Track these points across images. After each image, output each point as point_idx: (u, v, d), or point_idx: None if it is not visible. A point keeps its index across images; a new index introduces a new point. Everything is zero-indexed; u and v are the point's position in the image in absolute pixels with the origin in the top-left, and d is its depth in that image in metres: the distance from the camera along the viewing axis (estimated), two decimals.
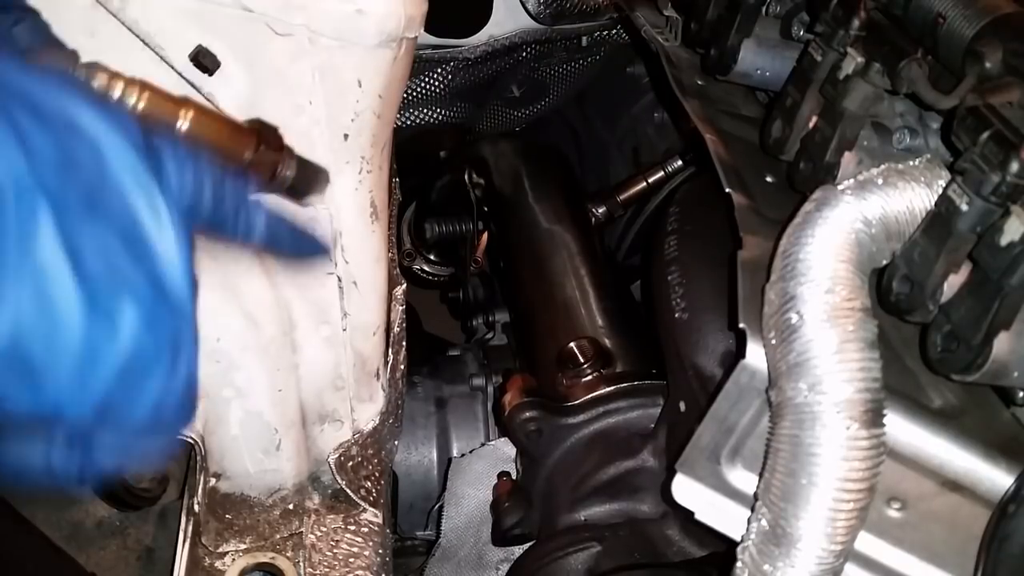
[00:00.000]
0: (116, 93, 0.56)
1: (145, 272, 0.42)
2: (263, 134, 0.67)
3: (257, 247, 0.56)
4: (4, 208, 0.38)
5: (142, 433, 0.46)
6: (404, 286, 1.13)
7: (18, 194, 0.38)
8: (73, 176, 0.41)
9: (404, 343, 1.16)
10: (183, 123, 0.60)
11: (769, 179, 0.93)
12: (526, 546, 1.14)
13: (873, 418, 0.65)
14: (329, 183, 0.76)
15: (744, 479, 0.76)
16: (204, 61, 0.80)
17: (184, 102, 0.60)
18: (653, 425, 1.09)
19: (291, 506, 1.07)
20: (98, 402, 0.41)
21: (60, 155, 0.41)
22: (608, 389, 1.11)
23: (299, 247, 0.60)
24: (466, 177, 1.63)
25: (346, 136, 0.87)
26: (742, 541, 0.72)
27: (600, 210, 1.58)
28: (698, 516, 0.79)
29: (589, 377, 1.13)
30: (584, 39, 1.63)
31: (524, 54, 1.60)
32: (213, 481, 1.04)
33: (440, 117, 1.59)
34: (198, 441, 1.00)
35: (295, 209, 0.71)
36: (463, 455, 1.31)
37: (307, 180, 0.71)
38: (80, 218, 0.40)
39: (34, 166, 0.39)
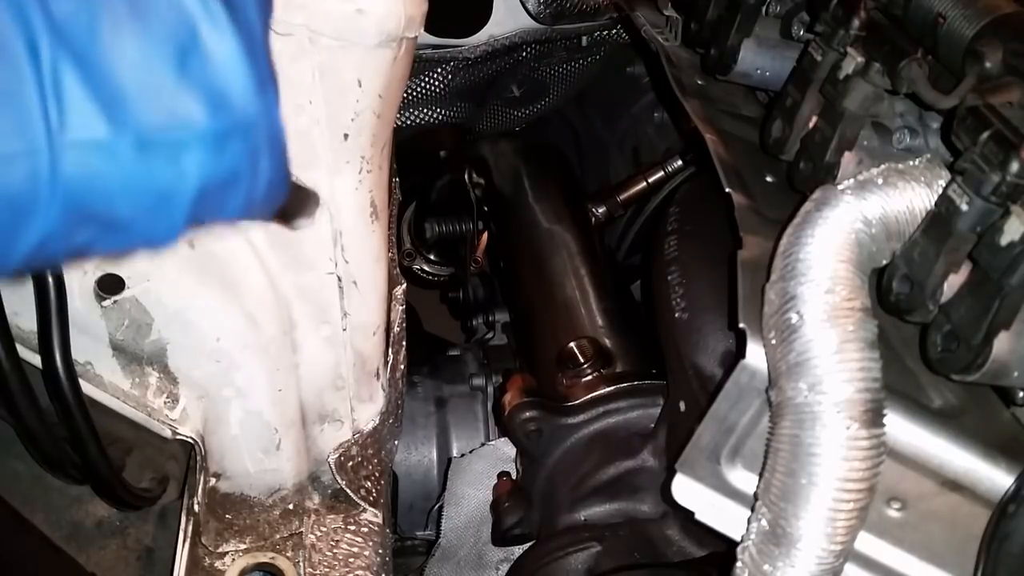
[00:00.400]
0: None
1: (203, 91, 0.38)
2: None
3: None
4: (20, 70, 0.35)
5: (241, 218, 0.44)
6: (404, 286, 1.13)
7: (34, 58, 0.35)
8: None
9: (404, 343, 1.16)
10: None
11: (769, 179, 0.93)
12: (526, 546, 1.14)
13: (873, 418, 0.65)
14: (319, 206, 0.76)
15: (744, 479, 0.76)
16: None
17: None
18: (653, 425, 1.09)
19: (291, 506, 1.07)
20: (182, 228, 0.40)
21: None
22: (608, 389, 1.11)
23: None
24: (466, 177, 1.63)
25: (346, 136, 0.87)
26: (742, 541, 0.72)
27: (600, 210, 1.58)
28: (698, 516, 0.79)
29: (589, 377, 1.13)
30: (584, 39, 1.63)
31: (524, 54, 1.60)
32: (213, 481, 1.04)
33: (440, 117, 1.59)
34: (198, 441, 1.00)
35: None
36: (463, 455, 1.31)
37: (297, 203, 0.72)
38: (119, 43, 0.36)
39: (49, 8, 0.36)
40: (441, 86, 1.55)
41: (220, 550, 1.03)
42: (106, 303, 0.91)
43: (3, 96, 0.35)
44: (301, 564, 1.02)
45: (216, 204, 0.41)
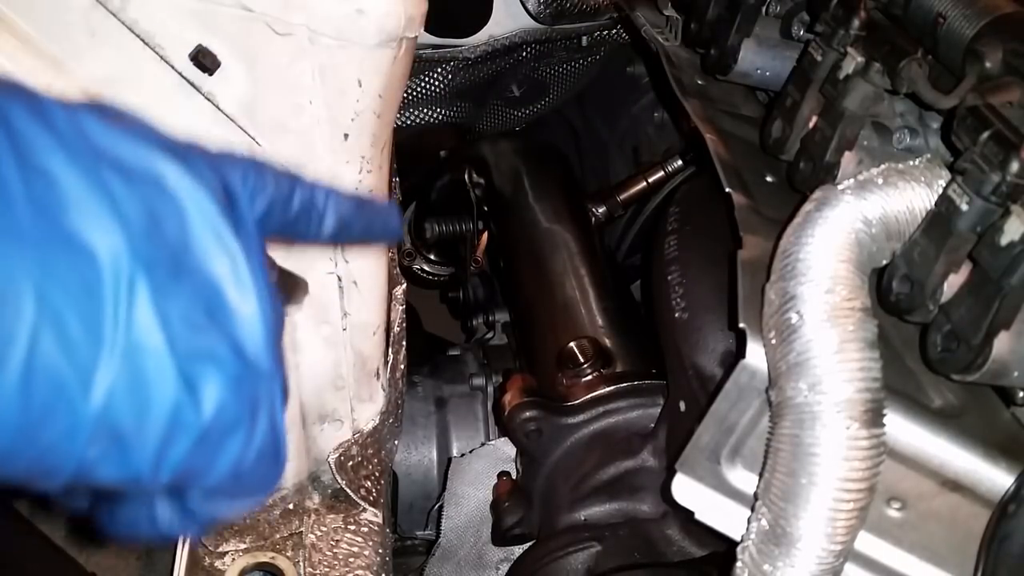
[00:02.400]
0: None
1: (227, 338, 0.43)
2: None
3: (329, 240, 0.56)
4: (102, 283, 0.38)
5: (228, 490, 0.46)
6: (404, 286, 1.13)
7: (116, 268, 0.38)
8: (159, 241, 0.41)
9: (404, 343, 1.16)
10: None
11: (769, 179, 0.93)
12: (526, 546, 1.14)
13: (873, 418, 0.65)
14: (308, 294, 0.77)
15: (744, 479, 0.76)
16: (204, 61, 0.80)
17: None
18: (653, 425, 1.09)
19: (291, 506, 1.07)
20: (176, 469, 0.42)
21: (148, 219, 0.40)
22: (608, 389, 1.11)
23: (370, 232, 0.60)
24: (466, 177, 1.63)
25: (346, 136, 0.87)
26: (742, 541, 0.72)
27: (600, 210, 1.58)
28: (698, 516, 0.79)
29: (589, 377, 1.13)
30: (584, 39, 1.63)
31: (524, 54, 1.60)
32: None
33: (440, 117, 1.59)
34: None
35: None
36: (463, 455, 1.31)
37: (287, 290, 0.73)
38: (167, 286, 0.40)
39: (129, 236, 0.39)
40: (441, 86, 1.55)
41: (220, 550, 1.03)
42: None
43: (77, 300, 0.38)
44: (301, 564, 1.02)
45: (211, 450, 0.43)
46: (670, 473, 0.79)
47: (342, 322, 0.98)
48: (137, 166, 0.41)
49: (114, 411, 0.39)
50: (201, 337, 0.41)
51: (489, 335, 1.61)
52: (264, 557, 1.03)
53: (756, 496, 0.71)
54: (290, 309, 0.75)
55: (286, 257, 0.89)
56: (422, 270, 1.85)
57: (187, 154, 0.45)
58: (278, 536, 1.05)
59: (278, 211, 0.51)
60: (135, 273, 0.39)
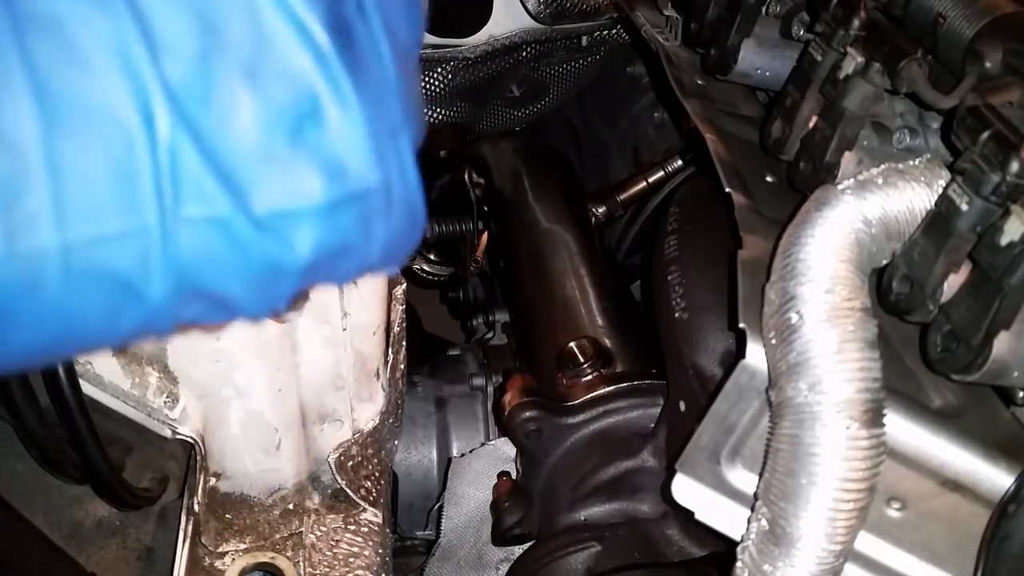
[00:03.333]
0: None
1: (322, 157, 0.36)
2: None
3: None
4: (134, 142, 0.33)
5: (375, 264, 0.43)
6: (404, 286, 1.13)
7: (150, 128, 0.33)
8: (222, 54, 0.34)
9: (404, 343, 1.16)
10: None
11: (769, 179, 0.93)
12: (526, 546, 1.14)
13: (873, 418, 0.65)
14: (308, 301, 0.77)
15: (744, 479, 0.76)
16: None
17: None
18: (653, 425, 1.09)
19: (291, 506, 1.07)
20: (288, 300, 0.40)
21: (202, 32, 0.34)
22: (608, 389, 1.11)
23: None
24: (466, 177, 1.63)
25: None
26: (742, 541, 0.72)
27: (600, 210, 1.58)
28: (698, 516, 0.79)
29: (589, 377, 1.13)
30: (584, 39, 1.63)
31: (524, 54, 1.60)
32: (213, 481, 1.04)
33: (440, 117, 1.59)
34: (198, 441, 1.00)
35: None
36: (463, 455, 1.31)
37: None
38: (234, 111, 0.34)
39: (166, 70, 0.33)
40: (441, 86, 1.55)
41: (220, 550, 1.03)
42: None
43: (115, 169, 0.33)
44: (301, 564, 1.02)
45: (326, 272, 0.40)
46: (670, 473, 0.79)
47: (342, 322, 0.98)
48: None
49: (194, 281, 0.36)
50: (284, 165, 0.35)
51: (489, 335, 1.61)
52: (264, 557, 1.03)
53: (756, 496, 0.71)
54: (290, 316, 0.75)
55: None
56: (422, 270, 1.85)
57: None
58: (278, 536, 1.05)
59: None
60: (175, 126, 0.33)
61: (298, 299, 0.74)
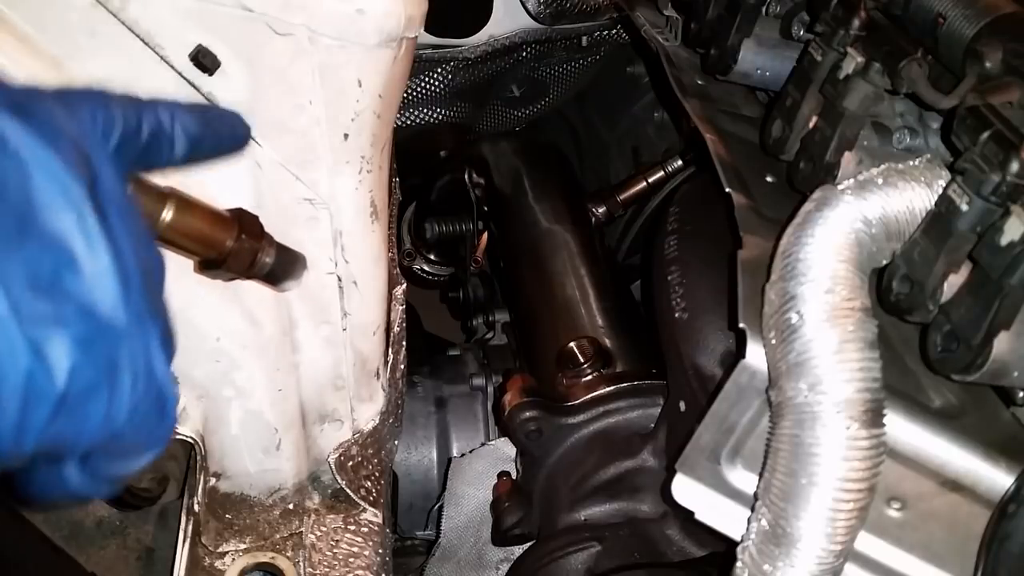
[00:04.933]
0: None
1: (73, 299, 0.41)
2: (243, 222, 0.70)
3: (183, 163, 0.56)
4: None
5: (114, 450, 0.46)
6: (404, 286, 1.13)
7: None
8: (1, 203, 0.40)
9: (404, 343, 1.16)
10: (167, 214, 0.62)
11: (769, 179, 0.93)
12: (526, 546, 1.14)
13: (873, 418, 0.65)
14: (307, 269, 0.78)
15: (744, 479, 0.76)
16: (204, 61, 0.80)
17: (167, 194, 0.63)
18: (653, 425, 1.09)
19: (291, 506, 1.07)
20: (40, 438, 0.41)
21: None
22: (608, 389, 1.11)
23: (220, 144, 0.60)
24: (466, 177, 1.63)
25: (346, 136, 0.87)
26: (742, 541, 0.72)
27: (600, 210, 1.58)
28: (698, 516, 0.79)
29: (589, 377, 1.13)
30: (584, 39, 1.63)
31: (524, 54, 1.60)
32: (213, 481, 1.04)
33: (440, 117, 1.59)
34: (198, 441, 1.00)
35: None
36: (463, 455, 1.31)
37: (285, 266, 0.74)
38: (7, 250, 0.39)
39: None
40: (441, 86, 1.55)
41: (220, 550, 1.03)
42: None
43: None
44: (301, 564, 1.02)
45: (75, 413, 0.41)
46: (670, 473, 0.79)
47: (342, 322, 0.98)
48: None
49: None
50: (46, 301, 0.40)
51: (489, 335, 1.61)
52: (264, 557, 1.03)
53: (756, 496, 0.71)
54: (289, 285, 0.76)
55: None
56: (422, 270, 1.85)
57: (29, 105, 0.43)
58: (278, 536, 1.05)
59: (130, 143, 0.50)
60: None
61: (297, 266, 0.74)
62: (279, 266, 0.74)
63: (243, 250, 0.70)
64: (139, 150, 0.52)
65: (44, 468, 0.46)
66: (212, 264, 0.70)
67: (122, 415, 0.43)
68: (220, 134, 0.60)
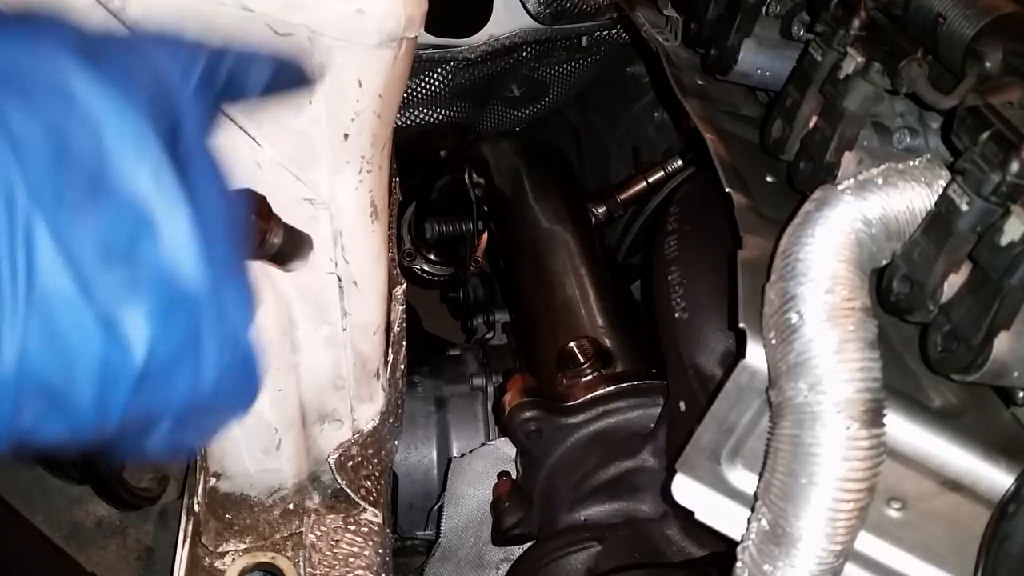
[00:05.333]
0: None
1: (150, 266, 0.39)
2: (253, 203, 0.70)
3: (257, 98, 0.53)
4: (13, 217, 0.34)
5: (202, 417, 0.44)
6: (404, 286, 1.13)
7: (9, 210, 0.34)
8: (69, 166, 0.36)
9: (404, 343, 1.16)
10: None
11: (769, 179, 0.93)
12: (526, 546, 1.14)
13: (873, 418, 0.65)
14: (313, 249, 0.78)
15: (744, 479, 0.76)
16: None
17: None
18: (653, 425, 1.09)
19: (291, 506, 1.07)
20: (124, 416, 0.39)
21: (52, 142, 0.36)
22: (608, 389, 1.11)
23: (292, 80, 0.58)
24: (466, 177, 1.63)
25: (346, 136, 0.87)
26: (742, 541, 0.72)
27: (600, 210, 1.58)
28: (698, 516, 0.79)
29: (589, 377, 1.13)
30: (584, 39, 1.63)
31: (524, 54, 1.60)
32: (213, 481, 1.04)
33: (440, 117, 1.59)
34: None
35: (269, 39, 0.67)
36: (463, 455, 1.31)
37: (293, 247, 0.74)
38: (77, 217, 0.36)
39: (25, 167, 0.35)
40: (441, 86, 1.55)
41: (220, 550, 1.03)
42: None
43: None
44: (301, 564, 1.02)
45: (159, 386, 0.40)
46: (670, 473, 0.79)
47: (342, 322, 0.98)
48: (39, 79, 0.37)
49: (36, 369, 0.36)
50: (120, 270, 0.37)
51: (489, 335, 1.61)
52: (264, 557, 1.03)
53: (756, 496, 0.71)
54: (296, 265, 0.76)
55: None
56: (422, 270, 1.85)
57: (100, 52, 0.40)
58: (278, 536, 1.05)
59: (211, 81, 0.48)
60: (32, 215, 0.34)
61: (303, 247, 0.75)
62: (287, 246, 0.73)
63: (253, 231, 0.70)
64: (219, 88, 0.49)
65: (132, 435, 0.44)
66: None
67: (208, 384, 0.42)
68: (292, 70, 0.57)
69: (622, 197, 1.58)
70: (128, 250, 0.38)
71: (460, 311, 1.73)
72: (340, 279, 0.96)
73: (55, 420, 0.38)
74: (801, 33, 1.00)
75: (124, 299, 0.38)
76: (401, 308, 1.12)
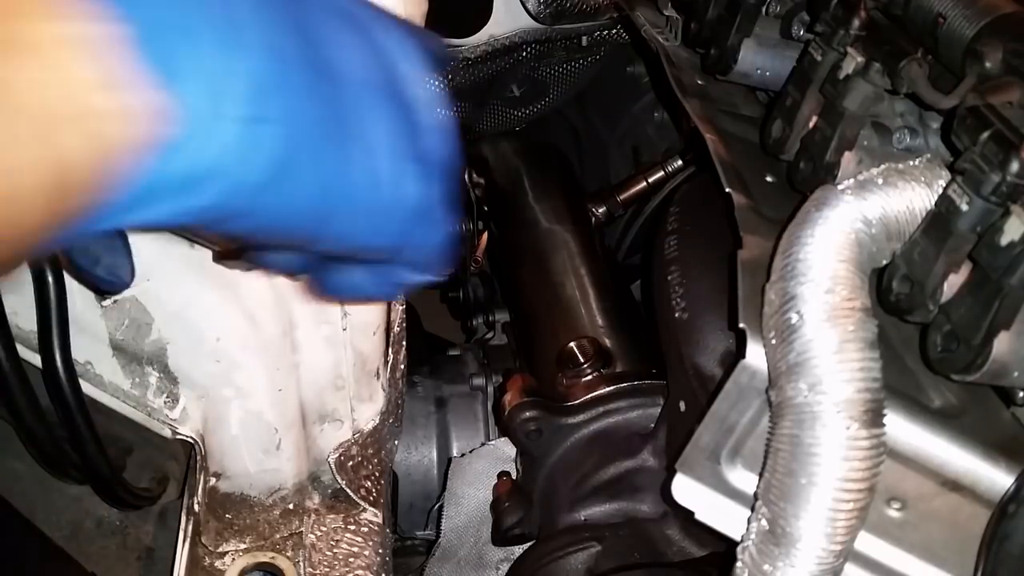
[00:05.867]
0: None
1: (424, 146, 0.54)
2: None
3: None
4: (358, 100, 0.50)
5: (428, 264, 0.59)
6: None
7: (370, 90, 0.51)
8: (385, 72, 0.53)
9: (404, 343, 1.16)
10: None
11: (769, 179, 0.93)
12: (526, 546, 1.14)
13: (873, 418, 0.65)
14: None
15: (744, 479, 0.76)
16: None
17: None
18: (653, 425, 1.09)
19: (291, 506, 1.07)
20: (414, 245, 0.55)
21: (378, 60, 0.53)
22: (608, 389, 1.11)
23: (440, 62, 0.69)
24: (466, 177, 1.63)
25: None
26: (742, 541, 0.72)
27: (600, 210, 1.58)
28: (698, 516, 0.79)
29: (589, 377, 1.13)
30: (584, 39, 1.62)
31: (524, 54, 1.60)
32: (213, 481, 1.04)
33: None
34: (198, 441, 1.00)
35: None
36: (463, 455, 1.31)
37: None
38: (388, 103, 0.52)
39: (370, 68, 0.51)
40: (441, 86, 1.55)
41: (220, 550, 1.03)
42: (106, 303, 0.91)
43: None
44: (301, 564, 1.02)
45: (431, 229, 0.56)
46: (670, 473, 0.79)
47: (342, 322, 0.98)
48: (374, 25, 0.54)
49: (374, 199, 0.51)
50: (409, 144, 0.53)
51: (489, 335, 1.61)
52: (264, 557, 1.03)
53: (756, 496, 0.71)
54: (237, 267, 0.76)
55: None
56: None
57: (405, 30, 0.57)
58: (278, 536, 1.05)
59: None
60: (377, 94, 0.51)
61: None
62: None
63: None
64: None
65: (342, 271, 0.59)
66: (231, 255, 0.70)
67: (446, 236, 0.58)
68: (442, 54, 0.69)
69: (622, 197, 1.58)
70: (411, 133, 0.54)
71: (460, 311, 1.73)
72: None
73: (434, 234, 0.56)
74: (801, 33, 1.00)
75: (407, 159, 0.53)
76: (401, 308, 1.12)
